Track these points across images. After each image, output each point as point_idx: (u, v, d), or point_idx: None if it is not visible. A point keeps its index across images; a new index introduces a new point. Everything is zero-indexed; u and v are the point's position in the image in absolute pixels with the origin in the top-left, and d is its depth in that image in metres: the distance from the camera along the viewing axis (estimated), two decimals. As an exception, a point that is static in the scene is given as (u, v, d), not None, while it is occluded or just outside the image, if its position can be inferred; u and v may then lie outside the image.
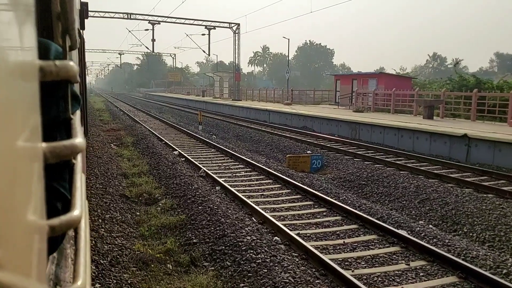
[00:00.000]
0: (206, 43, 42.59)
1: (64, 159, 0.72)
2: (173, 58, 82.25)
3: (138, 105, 47.27)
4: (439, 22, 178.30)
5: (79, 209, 0.79)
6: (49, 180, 0.76)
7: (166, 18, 38.64)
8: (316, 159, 13.14)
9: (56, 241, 0.92)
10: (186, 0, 35.05)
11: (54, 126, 0.98)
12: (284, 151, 15.81)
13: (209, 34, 40.76)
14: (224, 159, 13.43)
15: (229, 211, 7.26)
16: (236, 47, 40.94)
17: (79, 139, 0.79)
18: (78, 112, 1.22)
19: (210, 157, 13.79)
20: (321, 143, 16.69)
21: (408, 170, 11.50)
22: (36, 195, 0.54)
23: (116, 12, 36.87)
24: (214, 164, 12.55)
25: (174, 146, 15.23)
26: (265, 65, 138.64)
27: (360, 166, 12.25)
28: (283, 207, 8.18)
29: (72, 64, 0.75)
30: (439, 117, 19.60)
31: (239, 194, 8.55)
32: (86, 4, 6.17)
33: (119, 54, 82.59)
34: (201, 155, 14.19)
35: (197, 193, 8.49)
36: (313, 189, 9.06)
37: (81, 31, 4.79)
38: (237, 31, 40.76)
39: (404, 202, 9.25)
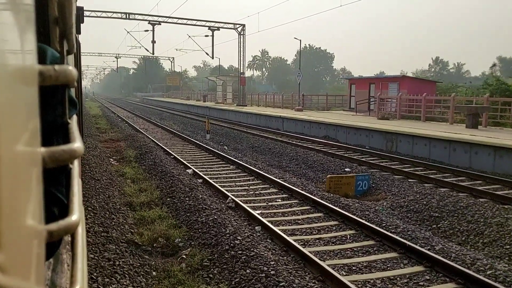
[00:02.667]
0: (206, 46, 40.35)
1: (62, 164, 0.72)
2: (171, 62, 79.94)
3: (136, 110, 44.80)
4: (440, 26, 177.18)
5: (77, 214, 0.79)
6: (47, 185, 0.73)
7: (167, 19, 36.29)
8: (361, 179, 10.79)
9: (53, 246, 0.92)
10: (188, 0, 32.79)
11: (52, 130, 0.98)
12: (313, 167, 13.45)
13: (212, 36, 38.48)
14: (249, 180, 11.03)
15: (295, 280, 4.85)
16: (241, 49, 38.64)
17: (77, 144, 0.77)
18: (75, 117, 1.22)
19: (232, 177, 11.38)
20: (355, 157, 14.34)
21: (488, 196, 9.15)
22: (35, 200, 0.54)
23: (114, 12, 34.49)
24: (240, 188, 10.16)
25: (186, 163, 12.83)
26: (264, 69, 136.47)
27: (420, 190, 9.89)
28: (360, 263, 5.79)
29: (71, 68, 0.74)
30: (482, 125, 17.32)
31: (292, 241, 6.17)
32: (81, 8, 6.06)
33: (116, 57, 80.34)
34: (221, 174, 11.78)
35: (236, 241, 6.08)
36: (390, 232, 6.69)
37: (77, 35, 4.44)
38: (242, 33, 38.47)
39: (508, 246, 6.90)
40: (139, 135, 20.06)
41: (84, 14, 34.62)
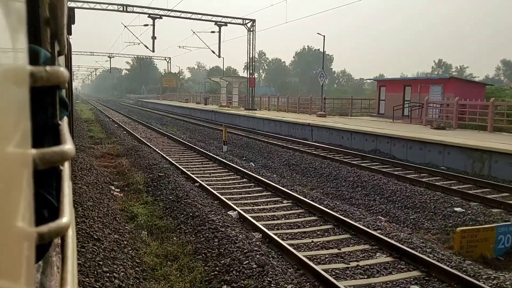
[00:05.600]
0: (211, 44, 36.53)
1: (53, 166, 0.72)
2: (167, 62, 75.77)
3: (133, 114, 40.72)
4: (443, 29, 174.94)
5: (68, 216, 0.78)
6: (37, 186, 0.75)
7: (169, 12, 32.38)
8: (503, 232, 7.05)
9: (42, 248, 0.91)
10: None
11: (42, 132, 0.98)
12: (395, 201, 9.69)
13: (219, 32, 34.69)
14: (329, 232, 7.22)
15: None
16: (251, 47, 34.89)
17: (68, 145, 0.77)
18: (65, 118, 1.22)
19: (300, 226, 7.54)
20: (439, 183, 10.64)
21: None
22: (25, 202, 0.54)
23: (110, 4, 30.49)
24: (328, 254, 6.31)
25: (221, 196, 8.99)
26: (261, 71, 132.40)
27: None
28: None
29: (63, 70, 0.74)
30: None
31: None
32: (72, 9, 5.95)
33: (109, 57, 76.04)
34: (278, 219, 7.95)
35: None
36: None
37: (68, 36, 3.85)
38: (252, 29, 34.70)
39: None
40: (143, 147, 16.13)
41: (77, 6, 30.49)
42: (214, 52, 36.26)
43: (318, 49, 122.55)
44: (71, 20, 5.74)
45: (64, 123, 1.09)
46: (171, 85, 76.51)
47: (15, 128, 0.51)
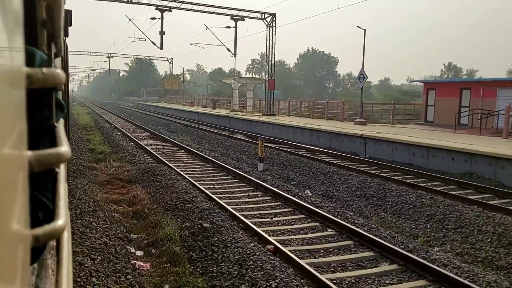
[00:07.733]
0: (226, 41, 32.66)
1: (49, 168, 0.72)
2: (170, 63, 71.73)
3: (136, 119, 36.65)
4: (449, 31, 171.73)
5: (63, 218, 0.77)
6: (32, 189, 0.72)
7: (180, 4, 28.44)
8: None
9: (38, 251, 0.90)
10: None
11: (38, 134, 0.96)
12: None
13: (235, 27, 30.80)
14: None
15: None
16: (270, 43, 31.02)
17: (64, 148, 0.76)
18: (61, 120, 1.20)
19: None
20: None
21: None
22: (21, 204, 0.54)
23: (112, -7, 26.52)
24: None
25: (326, 282, 5.04)
26: (263, 73, 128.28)
27: None
28: None
29: (59, 72, 0.73)
30: None
31: None
32: (69, 11, 5.74)
33: (108, 57, 72.03)
34: None
35: None
36: None
37: (64, 38, 3.94)
38: (272, 24, 30.84)
39: None
40: (162, 168, 12.11)
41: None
42: (229, 50, 32.36)
43: (323, 51, 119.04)
44: (68, 22, 5.49)
45: (60, 125, 1.10)
46: (174, 87, 72.48)
47: (11, 130, 0.51)
